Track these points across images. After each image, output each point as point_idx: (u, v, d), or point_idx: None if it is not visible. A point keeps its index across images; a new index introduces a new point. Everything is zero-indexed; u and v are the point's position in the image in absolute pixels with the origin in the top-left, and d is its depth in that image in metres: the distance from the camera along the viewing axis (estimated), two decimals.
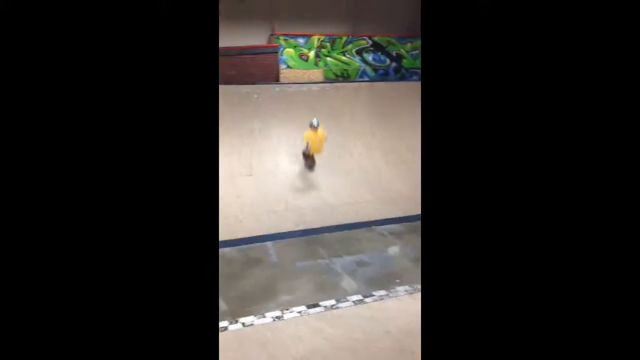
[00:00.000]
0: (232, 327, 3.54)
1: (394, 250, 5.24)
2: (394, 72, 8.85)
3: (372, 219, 6.03)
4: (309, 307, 3.83)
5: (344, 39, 8.46)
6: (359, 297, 4.02)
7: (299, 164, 6.39)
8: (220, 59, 7.45)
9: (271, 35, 8.18)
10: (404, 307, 3.77)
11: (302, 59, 8.23)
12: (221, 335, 3.42)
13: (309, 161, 6.16)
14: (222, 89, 6.17)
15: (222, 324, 3.57)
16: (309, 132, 5.99)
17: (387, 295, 4.02)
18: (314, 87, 6.82)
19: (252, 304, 3.94)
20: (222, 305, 3.92)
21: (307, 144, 5.98)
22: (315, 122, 5.97)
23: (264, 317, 3.68)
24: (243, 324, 3.58)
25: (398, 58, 8.84)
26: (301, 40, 8.21)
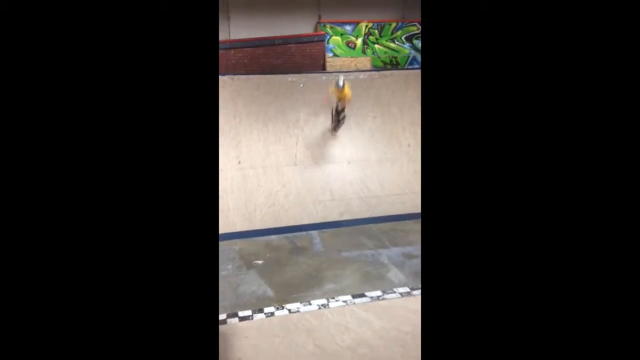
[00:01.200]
0: (278, 312, 3.56)
1: None
2: None
3: (420, 210, 5.83)
4: (354, 296, 3.78)
5: (393, 25, 8.21)
6: (406, 289, 3.91)
7: (345, 153, 6.30)
8: (265, 48, 7.54)
9: (317, 23, 8.11)
10: None
11: (349, 46, 8.10)
12: (268, 320, 3.46)
13: (337, 117, 5.90)
14: (267, 79, 6.24)
15: (268, 309, 3.62)
16: (334, 89, 5.73)
17: None
18: (361, 75, 6.65)
19: (298, 291, 3.95)
20: (269, 291, 3.97)
21: (335, 98, 5.74)
22: (341, 82, 5.67)
23: (310, 304, 3.68)
24: (289, 310, 3.60)
25: None
26: (348, 28, 8.07)
